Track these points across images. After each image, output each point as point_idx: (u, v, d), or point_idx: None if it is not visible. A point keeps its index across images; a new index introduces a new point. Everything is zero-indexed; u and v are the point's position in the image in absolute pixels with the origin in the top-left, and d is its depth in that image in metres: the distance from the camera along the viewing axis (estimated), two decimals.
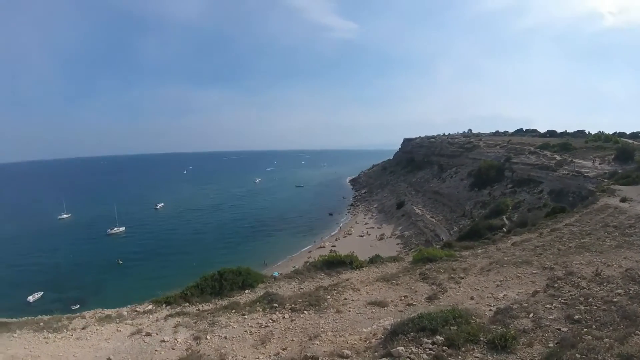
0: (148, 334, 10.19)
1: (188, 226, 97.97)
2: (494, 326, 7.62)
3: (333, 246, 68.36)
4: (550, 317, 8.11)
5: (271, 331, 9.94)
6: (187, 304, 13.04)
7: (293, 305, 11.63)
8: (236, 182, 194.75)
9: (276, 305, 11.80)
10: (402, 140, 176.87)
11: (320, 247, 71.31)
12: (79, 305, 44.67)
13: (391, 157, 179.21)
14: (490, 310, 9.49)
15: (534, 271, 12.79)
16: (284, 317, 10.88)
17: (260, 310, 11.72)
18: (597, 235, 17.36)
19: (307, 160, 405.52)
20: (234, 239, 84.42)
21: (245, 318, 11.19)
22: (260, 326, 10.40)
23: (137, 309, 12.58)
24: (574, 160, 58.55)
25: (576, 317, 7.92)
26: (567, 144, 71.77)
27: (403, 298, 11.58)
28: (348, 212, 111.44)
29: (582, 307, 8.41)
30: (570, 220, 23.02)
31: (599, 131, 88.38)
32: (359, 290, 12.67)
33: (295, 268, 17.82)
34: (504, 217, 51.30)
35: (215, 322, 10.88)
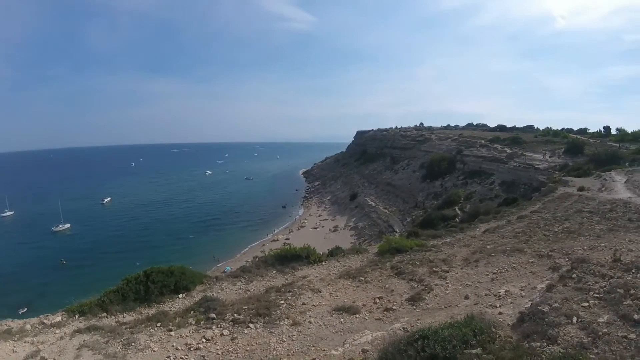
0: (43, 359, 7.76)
1: (136, 222, 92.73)
2: (537, 343, 5.22)
3: (287, 239, 65.79)
4: (601, 320, 5.91)
5: (203, 357, 7.11)
6: (105, 313, 10.28)
7: (235, 315, 8.92)
8: (186, 175, 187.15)
9: (214, 316, 9.02)
10: (355, 132, 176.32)
11: (274, 240, 68.85)
12: (26, 309, 41.63)
13: (344, 150, 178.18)
14: (500, 313, 7.25)
15: (529, 260, 10.97)
16: (222, 334, 8.18)
17: (193, 323, 8.95)
18: (578, 221, 16.40)
19: (260, 153, 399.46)
20: (184, 234, 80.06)
21: (171, 336, 8.46)
22: (189, 349, 7.65)
23: (45, 321, 9.87)
24: (524, 154, 59.37)
25: (635, 316, 5.75)
26: (517, 137, 73.01)
27: (377, 300, 9.15)
28: (301, 205, 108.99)
29: (632, 302, 6.27)
30: (535, 208, 22.59)
31: (547, 127, 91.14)
32: (320, 292, 10.12)
33: (245, 264, 15.00)
34: (456, 207, 51.89)
35: (132, 342, 8.23)
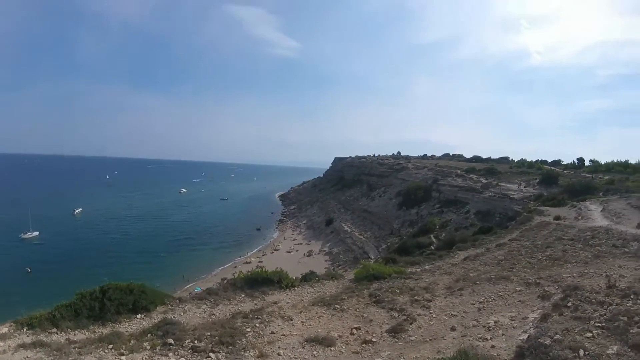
0: None
1: (106, 235, 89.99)
2: None
3: (260, 262, 64.47)
4: (610, 351, 5.26)
5: None
6: (55, 329, 9.19)
7: (196, 342, 7.87)
8: (161, 192, 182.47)
9: (171, 341, 7.95)
10: (333, 158, 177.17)
11: (247, 262, 67.02)
12: None
13: (322, 175, 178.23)
14: (493, 347, 6.54)
15: (517, 288, 10.38)
16: None
17: (148, 348, 7.89)
18: (560, 248, 16.12)
19: (237, 174, 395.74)
20: (155, 252, 77.72)
21: None
22: None
23: None
24: (499, 184, 59.92)
25: None
26: (492, 168, 74.21)
27: (354, 331, 8.25)
28: (276, 228, 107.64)
29: (639, 330, 5.65)
30: (513, 236, 22.41)
31: (522, 158, 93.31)
32: (292, 320, 9.15)
33: (211, 287, 13.89)
34: (432, 235, 51.58)
35: None
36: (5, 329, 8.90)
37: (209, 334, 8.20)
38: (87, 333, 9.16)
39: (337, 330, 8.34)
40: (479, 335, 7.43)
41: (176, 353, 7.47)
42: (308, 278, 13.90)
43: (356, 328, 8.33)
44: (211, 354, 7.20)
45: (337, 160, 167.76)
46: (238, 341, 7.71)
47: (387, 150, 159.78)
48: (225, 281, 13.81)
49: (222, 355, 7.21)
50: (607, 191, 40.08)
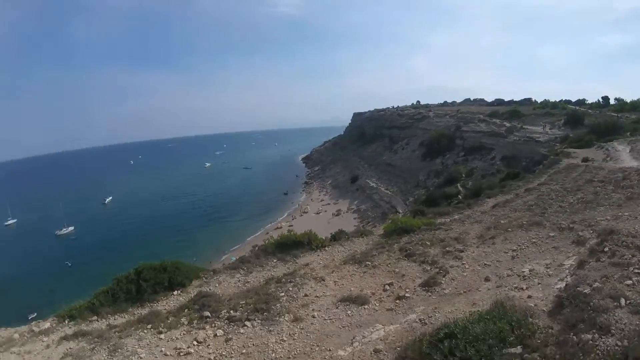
0: None
1: (138, 219, 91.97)
2: (587, 335, 4.31)
3: (290, 226, 65.10)
4: None
5: None
6: (96, 317, 9.45)
7: (232, 312, 8.03)
8: (186, 169, 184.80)
9: (208, 314, 8.14)
10: (352, 114, 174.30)
11: (278, 228, 67.92)
12: (35, 314, 40.58)
13: (342, 133, 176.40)
14: (530, 297, 6.38)
15: (550, 234, 10.06)
16: (215, 335, 7.30)
17: (185, 323, 8.10)
18: (591, 191, 15.62)
19: (258, 141, 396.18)
20: (188, 228, 79.63)
21: (161, 339, 7.62)
22: (179, 354, 6.82)
23: (35, 328, 9.08)
24: (524, 127, 58.38)
25: None
26: (515, 111, 71.62)
27: (387, 287, 8.23)
28: (303, 190, 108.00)
29: None
30: (542, 180, 21.84)
31: (545, 99, 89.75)
32: (324, 280, 9.20)
33: (243, 255, 14.11)
34: (458, 184, 51.27)
35: (119, 347, 7.42)
36: (47, 324, 9.20)
37: (244, 302, 8.35)
38: (126, 316, 9.41)
39: (369, 288, 8.34)
40: (514, 285, 7.28)
41: (213, 325, 7.65)
42: (338, 237, 13.94)
43: (389, 284, 8.31)
44: (247, 322, 7.34)
45: (356, 116, 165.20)
46: (272, 307, 7.83)
47: (406, 101, 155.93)
48: (257, 248, 13.95)
49: (258, 322, 7.35)
50: (634, 130, 39.19)
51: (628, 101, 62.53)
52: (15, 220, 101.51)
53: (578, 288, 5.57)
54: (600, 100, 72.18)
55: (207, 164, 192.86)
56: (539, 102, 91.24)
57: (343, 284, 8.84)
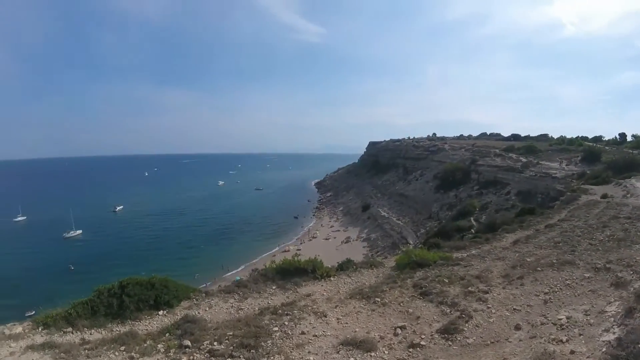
0: None
1: (147, 230, 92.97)
2: None
3: (298, 250, 64.41)
4: None
5: None
6: (71, 328, 8.53)
7: (215, 344, 6.94)
8: (199, 185, 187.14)
9: (188, 343, 7.07)
10: (367, 142, 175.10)
11: (285, 251, 67.05)
12: (34, 312, 41.20)
13: (357, 161, 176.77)
14: (573, 353, 5.28)
15: (585, 274, 8.92)
16: None
17: (162, 351, 7.04)
18: (619, 227, 14.68)
19: (273, 163, 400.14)
20: (195, 243, 79.92)
21: None
22: None
23: (7, 331, 8.32)
24: (540, 162, 58.13)
25: None
26: (532, 146, 71.62)
27: (399, 331, 7.01)
28: (313, 215, 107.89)
29: None
30: (562, 216, 20.97)
31: (561, 135, 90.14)
32: (326, 316, 8.01)
33: (241, 279, 13.06)
34: (472, 218, 50.57)
35: None
36: (19, 329, 8.36)
37: (231, 333, 7.27)
38: (103, 332, 8.51)
39: (378, 330, 7.15)
40: (551, 336, 6.11)
41: (191, 358, 6.58)
42: (345, 267, 12.80)
43: (401, 327, 7.10)
44: None
45: (372, 145, 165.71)
46: (262, 343, 6.70)
47: (422, 132, 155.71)
48: (256, 272, 12.86)
49: None
50: None
51: None
52: (25, 218, 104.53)
53: (639, 345, 4.43)
54: (617, 137, 72.30)
55: (221, 182, 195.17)
56: (555, 138, 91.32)
57: (347, 323, 7.65)
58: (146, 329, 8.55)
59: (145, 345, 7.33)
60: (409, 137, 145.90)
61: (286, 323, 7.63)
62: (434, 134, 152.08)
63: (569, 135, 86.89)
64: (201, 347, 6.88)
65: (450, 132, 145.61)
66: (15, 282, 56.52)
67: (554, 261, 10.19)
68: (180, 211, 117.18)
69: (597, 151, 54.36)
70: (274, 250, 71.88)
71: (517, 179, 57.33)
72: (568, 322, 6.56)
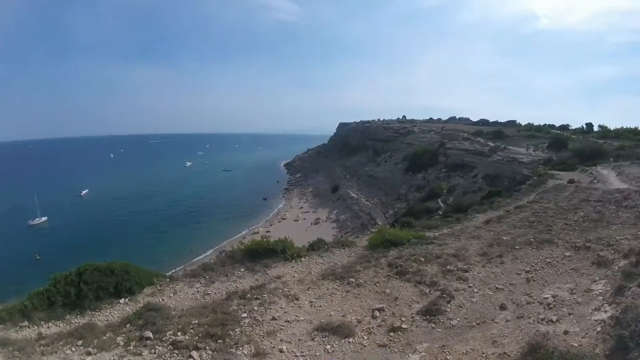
0: None
1: (114, 215, 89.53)
2: None
3: (267, 231, 63.50)
4: None
5: None
6: (27, 322, 7.83)
7: (179, 334, 6.28)
8: (166, 167, 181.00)
9: (149, 334, 6.37)
10: (337, 125, 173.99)
11: (254, 233, 66.08)
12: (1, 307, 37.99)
13: (326, 142, 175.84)
14: (567, 332, 4.96)
15: (565, 253, 8.78)
16: None
17: (121, 344, 6.37)
18: (591, 210, 14.84)
19: (242, 144, 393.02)
20: (163, 226, 78.10)
21: None
22: None
23: None
24: (507, 147, 58.55)
25: None
26: (500, 131, 72.15)
27: (377, 313, 6.53)
28: (283, 197, 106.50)
29: None
30: (530, 198, 21.37)
31: (529, 122, 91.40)
32: (298, 299, 7.45)
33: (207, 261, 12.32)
34: (439, 200, 51.01)
35: None
36: None
37: (196, 322, 6.61)
38: (61, 325, 7.83)
39: (354, 313, 6.63)
40: (540, 316, 5.79)
41: (152, 351, 5.89)
42: (316, 247, 12.27)
43: (379, 309, 6.59)
44: (194, 353, 5.57)
45: (342, 126, 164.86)
46: (230, 332, 6.07)
47: (393, 115, 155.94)
48: (224, 254, 12.12)
49: (208, 353, 5.57)
50: (617, 157, 39.75)
51: (611, 129, 63.83)
52: None
53: (626, 318, 4.10)
54: (584, 126, 73.39)
55: (188, 163, 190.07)
56: (522, 125, 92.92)
57: (321, 306, 7.09)
58: (107, 319, 7.94)
59: (104, 338, 6.67)
60: (378, 119, 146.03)
61: (255, 308, 7.02)
62: (404, 116, 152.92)
63: (539, 123, 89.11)
64: (164, 339, 6.21)
65: (421, 117, 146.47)
66: None
67: (532, 240, 10.03)
68: (147, 194, 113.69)
69: (563, 139, 55.24)
70: (243, 233, 70.67)
71: (485, 163, 57.94)
72: (555, 301, 6.30)
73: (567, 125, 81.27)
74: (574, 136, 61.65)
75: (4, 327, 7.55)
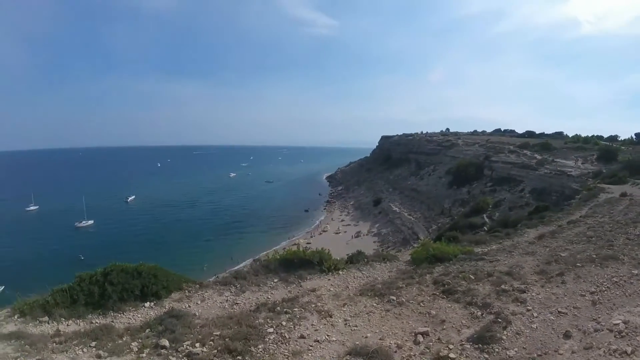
0: None
1: (158, 221, 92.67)
2: None
3: (308, 243, 63.18)
4: None
5: None
6: (47, 317, 7.78)
7: (197, 345, 5.84)
8: (211, 177, 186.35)
9: (166, 343, 5.99)
10: (379, 138, 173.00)
11: (294, 244, 65.90)
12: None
13: (369, 155, 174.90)
14: None
15: (633, 271, 7.78)
16: None
17: (135, 350, 6.03)
18: None
19: (284, 157, 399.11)
20: (206, 234, 79.68)
21: None
22: None
23: None
24: (555, 160, 56.70)
25: None
26: (547, 144, 70.01)
27: (421, 338, 5.78)
28: (324, 209, 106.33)
29: None
30: (583, 213, 20.26)
31: (576, 134, 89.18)
32: (331, 316, 6.80)
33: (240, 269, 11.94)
34: (484, 215, 49.24)
35: None
36: None
37: (218, 333, 6.15)
38: (81, 323, 7.66)
39: (394, 336, 5.90)
40: (611, 346, 4.89)
41: None
42: (355, 259, 11.64)
43: (422, 333, 5.84)
44: None
45: (384, 139, 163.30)
46: (252, 348, 5.52)
47: (435, 128, 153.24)
48: (257, 263, 11.68)
49: None
50: None
51: None
52: (37, 207, 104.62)
53: None
54: (634, 137, 71.67)
55: (232, 174, 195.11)
56: (570, 136, 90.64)
57: (356, 326, 6.39)
58: (128, 322, 7.68)
59: (119, 342, 6.38)
60: (421, 132, 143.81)
61: (284, 323, 6.45)
62: (447, 129, 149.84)
63: (584, 134, 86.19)
64: (179, 349, 5.78)
65: (464, 129, 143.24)
66: (24, 269, 55.68)
67: (594, 256, 8.97)
68: (191, 202, 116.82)
69: (613, 150, 53.66)
70: (283, 243, 70.25)
71: (532, 176, 56.02)
72: (627, 327, 5.35)
73: (616, 136, 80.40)
74: (623, 147, 59.89)
75: (23, 321, 7.54)
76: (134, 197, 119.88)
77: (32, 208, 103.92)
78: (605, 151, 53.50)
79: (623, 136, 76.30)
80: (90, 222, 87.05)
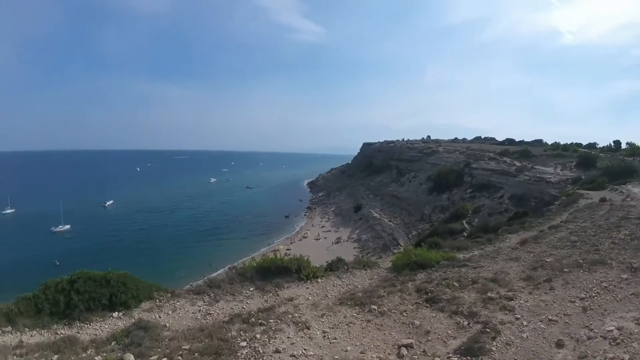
0: None
1: (136, 227, 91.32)
2: None
3: (288, 249, 62.74)
4: None
5: None
6: (10, 327, 7.36)
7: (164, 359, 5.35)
8: (190, 182, 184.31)
9: (131, 358, 5.55)
10: (361, 144, 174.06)
11: (275, 250, 65.20)
12: None
13: (350, 161, 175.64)
14: None
15: (622, 275, 7.62)
16: None
17: None
18: (636, 227, 13.62)
19: (266, 162, 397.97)
20: (184, 241, 78.54)
21: None
22: None
23: None
24: (534, 167, 57.51)
25: None
26: (526, 151, 71.44)
27: (405, 351, 5.38)
28: (305, 215, 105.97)
29: None
30: (563, 218, 20.31)
31: (556, 141, 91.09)
32: (309, 328, 6.36)
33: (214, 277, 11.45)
34: (464, 221, 49.78)
35: None
36: None
37: (187, 347, 5.67)
38: (46, 334, 7.22)
39: (376, 349, 5.46)
40: (607, 355, 4.64)
41: None
42: (335, 267, 11.23)
43: (406, 346, 5.42)
44: None
45: (366, 146, 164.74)
46: None
47: (418, 135, 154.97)
48: (233, 270, 11.17)
49: None
50: None
51: None
52: (13, 210, 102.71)
53: None
54: (612, 144, 72.99)
55: (212, 180, 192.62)
56: (549, 144, 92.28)
57: (336, 338, 5.95)
58: (94, 334, 7.22)
59: (82, 355, 5.91)
60: (403, 139, 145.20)
61: (258, 336, 5.99)
62: (428, 136, 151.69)
63: (564, 141, 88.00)
64: None
65: (445, 136, 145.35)
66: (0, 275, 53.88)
67: (581, 261, 8.81)
68: (171, 208, 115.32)
69: (592, 157, 54.53)
70: (263, 250, 69.53)
71: (511, 183, 56.66)
72: (621, 334, 5.11)
73: (595, 144, 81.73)
74: (602, 154, 61.00)
75: None
76: (112, 201, 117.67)
77: (8, 211, 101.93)
78: (584, 158, 54.49)
79: (602, 144, 78.22)
80: (67, 226, 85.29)
